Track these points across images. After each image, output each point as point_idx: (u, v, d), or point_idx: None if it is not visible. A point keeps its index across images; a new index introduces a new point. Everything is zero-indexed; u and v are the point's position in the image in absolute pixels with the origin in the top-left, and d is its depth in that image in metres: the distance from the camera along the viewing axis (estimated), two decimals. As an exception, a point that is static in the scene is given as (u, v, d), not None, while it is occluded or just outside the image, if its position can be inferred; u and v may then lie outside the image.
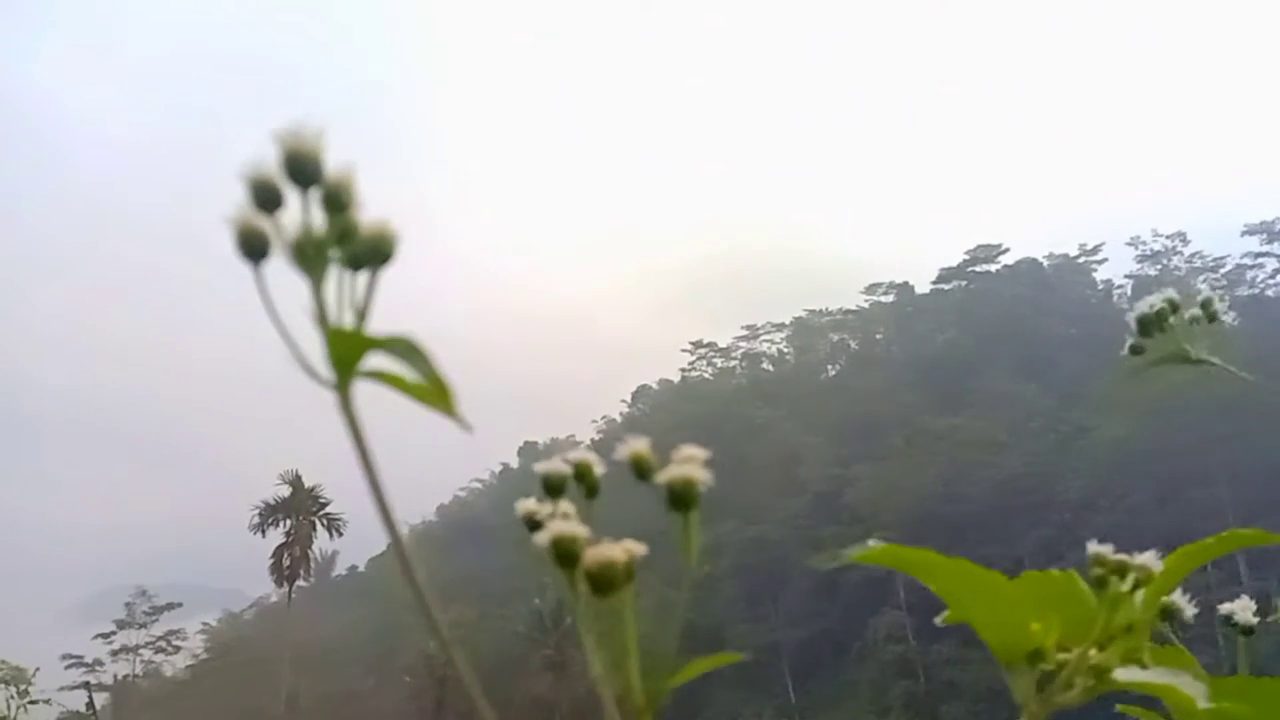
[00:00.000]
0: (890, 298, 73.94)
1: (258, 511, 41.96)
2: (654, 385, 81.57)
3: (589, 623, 0.41)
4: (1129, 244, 63.28)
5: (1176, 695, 0.49)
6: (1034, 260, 67.03)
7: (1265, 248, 59.11)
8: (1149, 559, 0.51)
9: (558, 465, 0.42)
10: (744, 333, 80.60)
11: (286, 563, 41.66)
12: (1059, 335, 57.56)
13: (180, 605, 54.03)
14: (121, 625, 50.29)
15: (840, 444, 55.86)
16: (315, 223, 0.41)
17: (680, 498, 0.41)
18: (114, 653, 49.53)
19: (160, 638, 52.39)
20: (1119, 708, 0.70)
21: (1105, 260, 67.37)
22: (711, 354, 79.93)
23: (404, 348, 0.39)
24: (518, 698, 47.43)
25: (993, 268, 66.00)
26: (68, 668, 43.54)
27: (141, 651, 51.44)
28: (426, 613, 0.41)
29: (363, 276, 0.41)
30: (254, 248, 0.41)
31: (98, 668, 47.00)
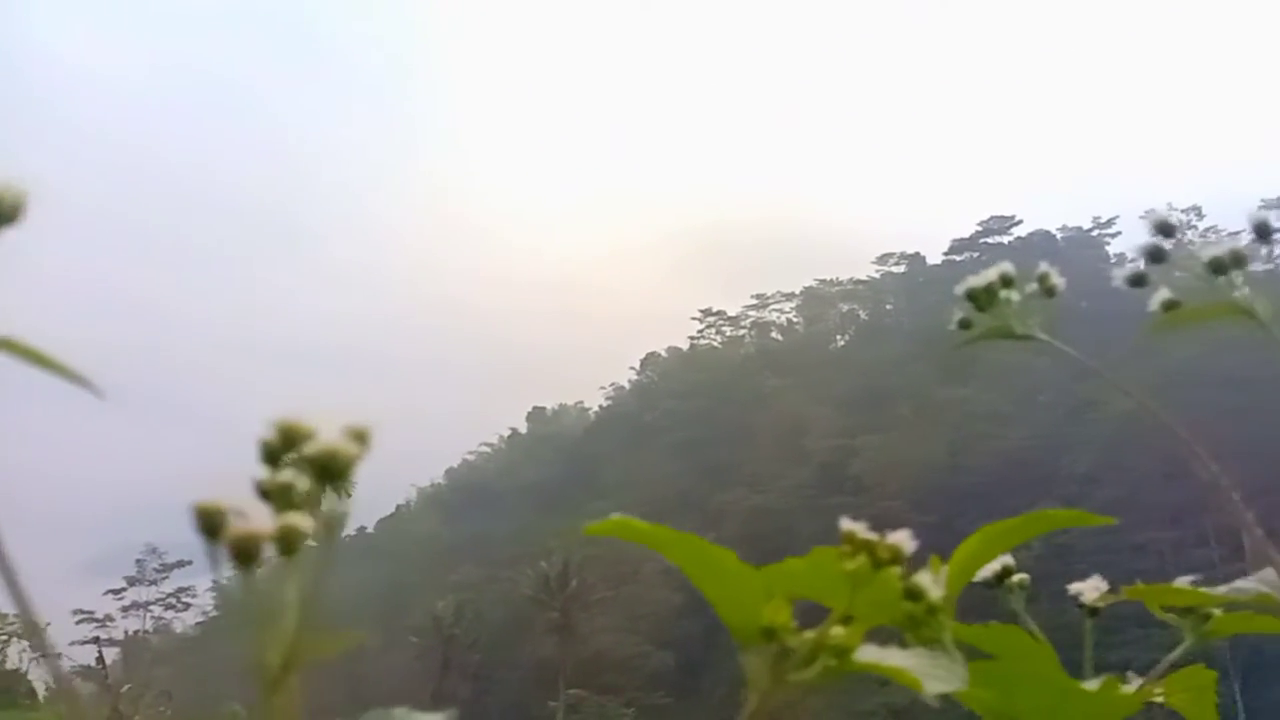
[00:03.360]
0: (902, 268, 73.65)
1: (267, 471, 42.23)
2: (663, 353, 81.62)
3: (247, 594, 0.41)
4: (1143, 217, 62.69)
5: (905, 677, 0.48)
6: (1047, 232, 66.62)
7: (1281, 223, 58.65)
8: (900, 538, 0.48)
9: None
10: (754, 302, 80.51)
11: (295, 523, 42.04)
12: (1070, 308, 56.95)
13: (191, 563, 54.61)
14: (132, 582, 50.95)
15: (847, 414, 55.91)
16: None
17: (326, 471, 0.40)
18: (125, 609, 50.24)
19: (171, 594, 53.10)
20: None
21: (1119, 234, 66.88)
22: (721, 322, 79.89)
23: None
24: (524, 659, 48.00)
25: (1005, 239, 65.62)
26: (79, 623, 44.21)
27: (152, 608, 52.15)
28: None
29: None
30: None
31: (108, 623, 47.68)
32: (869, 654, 0.48)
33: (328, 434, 0.41)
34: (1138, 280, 0.65)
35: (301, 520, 0.39)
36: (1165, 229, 0.63)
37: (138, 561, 51.54)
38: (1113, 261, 67.93)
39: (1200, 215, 61.16)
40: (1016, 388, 50.18)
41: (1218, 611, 0.72)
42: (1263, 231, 0.62)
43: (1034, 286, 0.72)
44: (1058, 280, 0.70)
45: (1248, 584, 0.66)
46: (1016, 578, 0.79)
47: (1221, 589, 0.68)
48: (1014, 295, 0.70)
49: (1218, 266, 0.61)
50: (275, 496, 0.40)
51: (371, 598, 64.43)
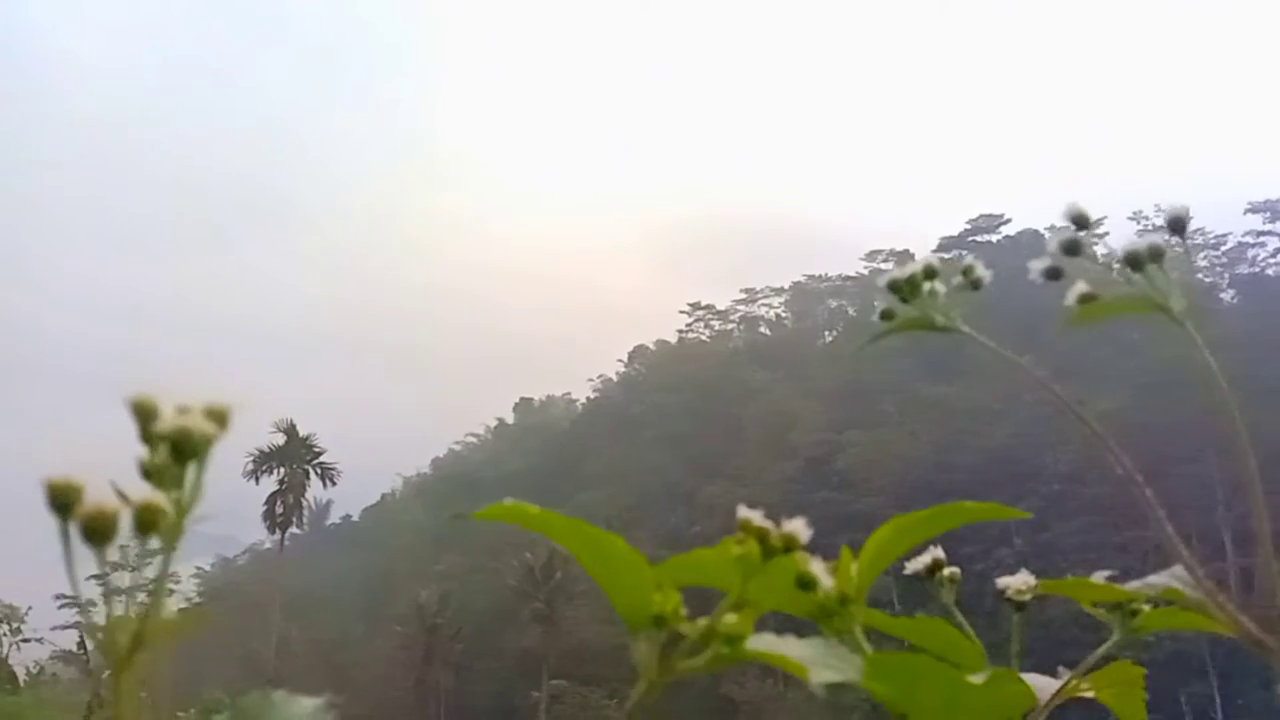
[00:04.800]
0: (890, 265, 73.01)
1: (252, 459, 42.13)
2: (651, 346, 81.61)
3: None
4: (1131, 218, 63.06)
5: (793, 666, 0.48)
6: (1035, 231, 66.78)
7: (1267, 226, 58.96)
8: (796, 526, 0.48)
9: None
10: (742, 296, 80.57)
11: (280, 510, 41.91)
12: (1056, 307, 57.34)
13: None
14: (114, 567, 50.56)
15: (834, 409, 56.04)
16: None
17: (179, 449, 0.40)
18: (107, 594, 49.97)
19: (153, 581, 52.82)
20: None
21: (1107, 234, 66.98)
22: (709, 316, 79.92)
23: None
24: (507, 649, 48.02)
25: (994, 238, 65.81)
26: (60, 608, 43.98)
27: (134, 595, 51.87)
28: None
29: None
30: None
31: (90, 608, 47.40)
32: (762, 642, 0.48)
33: (189, 412, 0.40)
34: (1053, 273, 0.65)
35: (159, 500, 0.38)
36: (1081, 221, 0.63)
37: (120, 546, 51.21)
38: (1100, 261, 68.14)
39: (1188, 217, 61.41)
40: (1001, 385, 50.36)
41: (1146, 607, 0.72)
42: (1177, 227, 0.62)
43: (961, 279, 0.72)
44: (983, 273, 0.70)
45: (1159, 579, 0.67)
46: (947, 571, 0.79)
47: (1134, 584, 0.69)
48: (939, 287, 0.70)
49: (1134, 261, 0.62)
50: (154, 476, 0.40)
51: (356, 586, 64.33)
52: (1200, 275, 59.90)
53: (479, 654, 49.07)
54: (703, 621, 0.48)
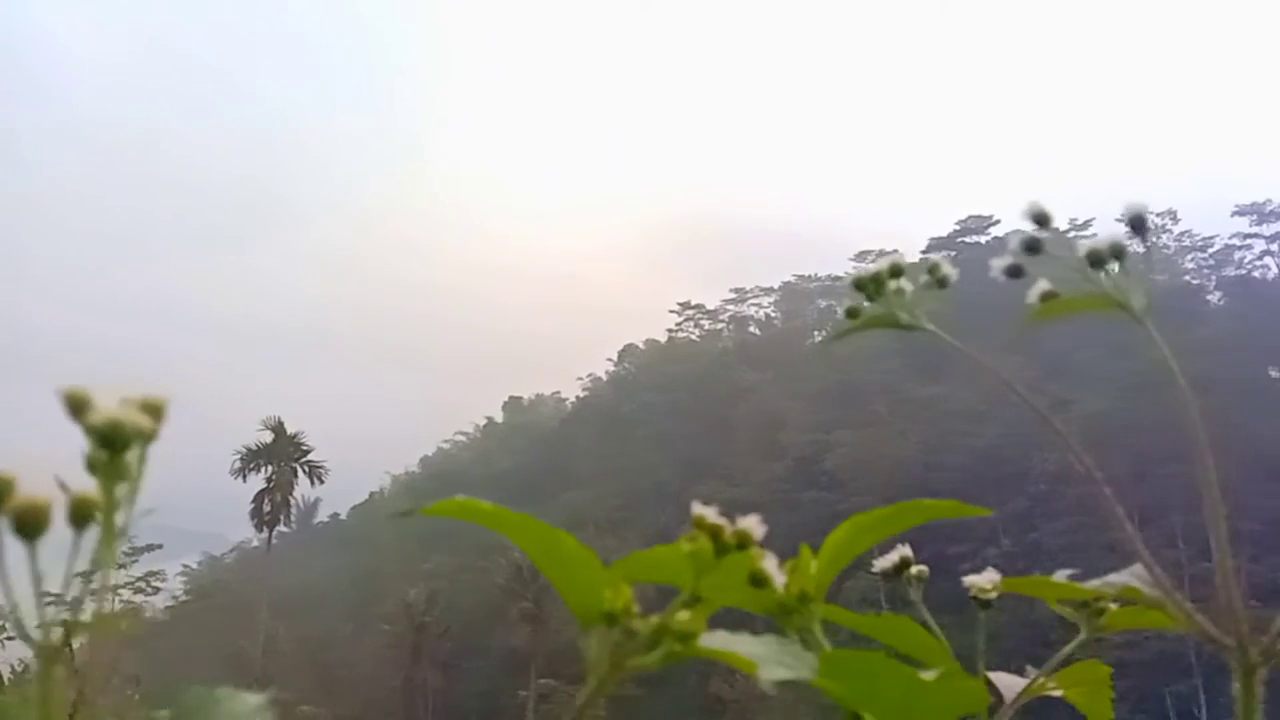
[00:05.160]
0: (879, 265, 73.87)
1: (239, 456, 41.96)
2: (640, 345, 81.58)
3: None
4: (1119, 220, 63.23)
5: (742, 663, 0.48)
6: (1024, 233, 66.99)
7: (1254, 229, 59.26)
8: (750, 522, 0.48)
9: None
10: (732, 296, 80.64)
11: (267, 508, 41.74)
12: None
13: (160, 547, 54.09)
14: (98, 563, 50.30)
15: (823, 409, 56.12)
16: None
17: (109, 442, 0.38)
18: (92, 592, 49.68)
19: (139, 578, 52.53)
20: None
21: (1095, 235, 67.06)
22: (699, 315, 79.95)
23: None
24: (495, 648, 47.94)
25: (983, 239, 65.98)
26: (46, 605, 43.66)
27: (121, 591, 51.64)
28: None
29: None
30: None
31: (76, 606, 47.11)
32: (715, 640, 0.48)
33: (122, 405, 0.39)
34: (1014, 271, 0.65)
35: (91, 494, 0.38)
36: (1041, 219, 0.64)
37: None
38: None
39: (1175, 219, 61.74)
40: (990, 386, 50.52)
41: (1113, 606, 0.73)
42: (1138, 225, 0.62)
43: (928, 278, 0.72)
44: (949, 271, 0.70)
45: (1119, 578, 0.67)
46: (914, 569, 0.80)
47: (1094, 582, 0.69)
48: (906, 285, 0.70)
49: (1096, 259, 0.62)
50: (97, 470, 0.39)
51: (344, 585, 64.11)
52: (1188, 277, 60.16)
53: (467, 653, 48.99)
54: (655, 619, 0.47)
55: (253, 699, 0.43)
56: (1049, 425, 0.66)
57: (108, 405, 0.39)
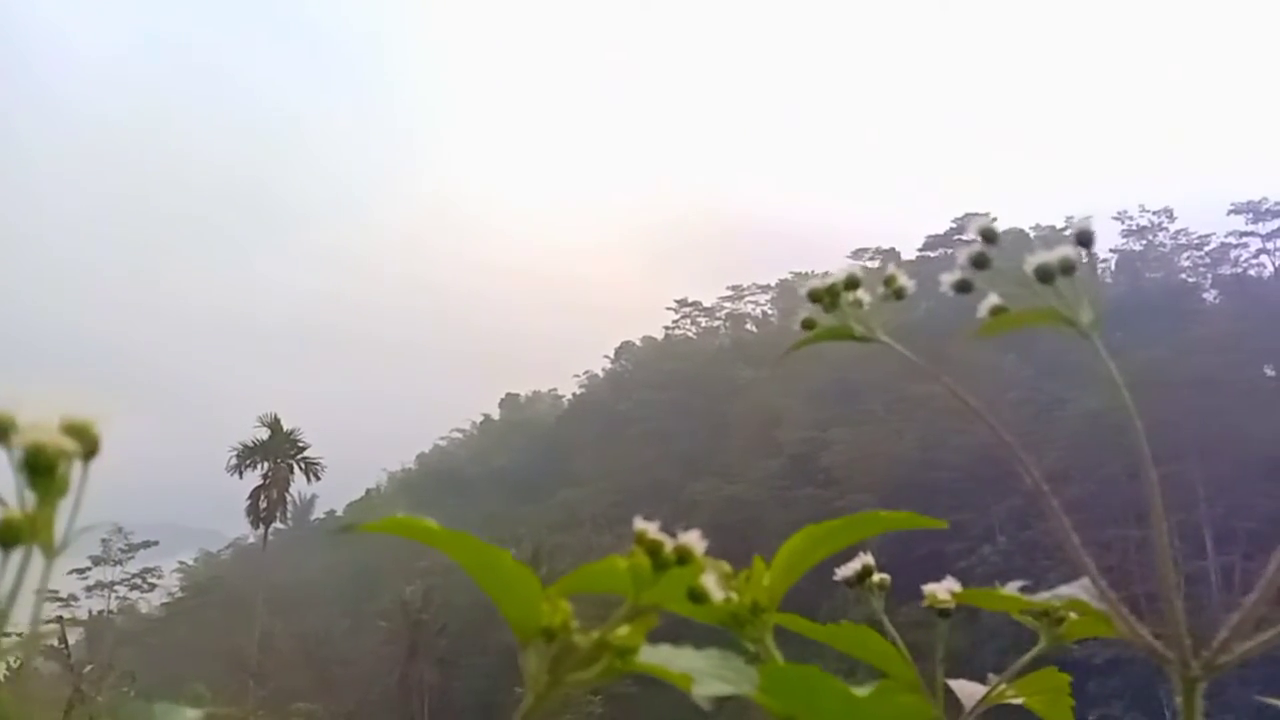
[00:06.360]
0: (875, 263, 73.94)
1: (235, 453, 41.90)
2: (637, 342, 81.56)
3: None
4: (1115, 218, 63.38)
5: (675, 678, 0.48)
6: (1020, 231, 67.12)
7: (1250, 227, 59.30)
8: (691, 538, 0.47)
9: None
10: (729, 293, 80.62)
11: (263, 505, 41.69)
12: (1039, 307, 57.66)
13: (157, 543, 54.11)
14: (97, 561, 50.31)
15: (819, 407, 56.16)
16: None
17: (33, 466, 0.38)
18: (89, 588, 49.65)
19: (136, 575, 52.51)
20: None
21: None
22: (696, 313, 79.95)
23: None
24: (491, 645, 47.93)
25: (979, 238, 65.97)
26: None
27: (117, 588, 51.60)
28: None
29: None
30: None
31: (72, 603, 47.10)
32: (655, 654, 0.48)
33: (47, 428, 0.38)
34: (962, 286, 0.65)
35: (16, 514, 0.37)
36: (989, 236, 0.64)
37: (103, 541, 50.90)
38: (1084, 261, 68.52)
39: (1172, 217, 61.80)
40: (986, 385, 50.59)
41: (1073, 615, 0.73)
42: (1084, 240, 0.63)
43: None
44: (906, 283, 0.70)
45: (1068, 590, 0.67)
46: (876, 578, 0.79)
47: (1043, 594, 0.69)
48: (863, 297, 0.70)
49: (1044, 274, 0.62)
50: (33, 488, 0.39)
51: (340, 582, 64.10)
52: (1183, 276, 60.21)
53: (463, 649, 48.96)
54: (594, 633, 0.47)
55: (191, 713, 0.43)
56: (997, 435, 0.66)
57: (38, 425, 0.38)
